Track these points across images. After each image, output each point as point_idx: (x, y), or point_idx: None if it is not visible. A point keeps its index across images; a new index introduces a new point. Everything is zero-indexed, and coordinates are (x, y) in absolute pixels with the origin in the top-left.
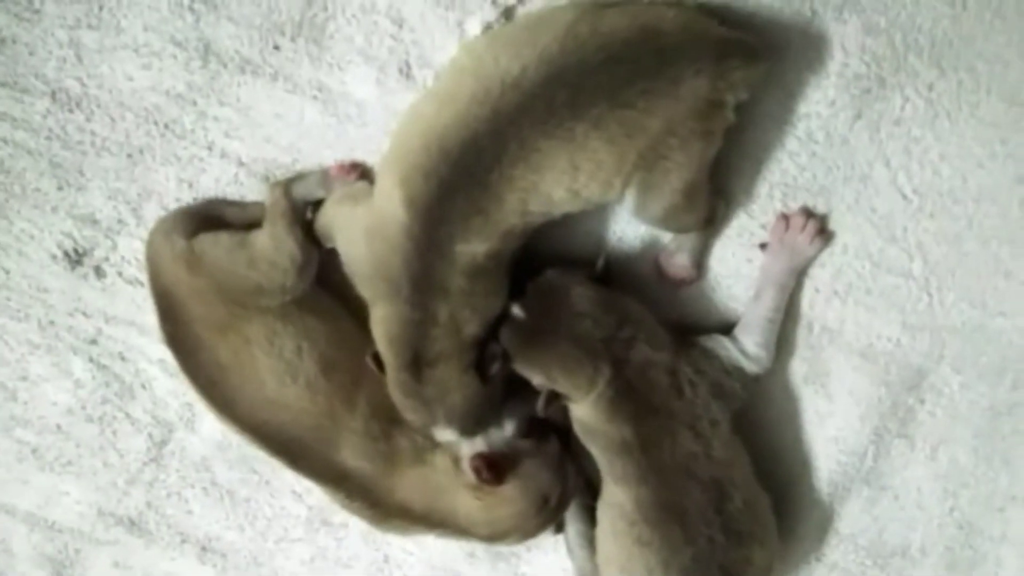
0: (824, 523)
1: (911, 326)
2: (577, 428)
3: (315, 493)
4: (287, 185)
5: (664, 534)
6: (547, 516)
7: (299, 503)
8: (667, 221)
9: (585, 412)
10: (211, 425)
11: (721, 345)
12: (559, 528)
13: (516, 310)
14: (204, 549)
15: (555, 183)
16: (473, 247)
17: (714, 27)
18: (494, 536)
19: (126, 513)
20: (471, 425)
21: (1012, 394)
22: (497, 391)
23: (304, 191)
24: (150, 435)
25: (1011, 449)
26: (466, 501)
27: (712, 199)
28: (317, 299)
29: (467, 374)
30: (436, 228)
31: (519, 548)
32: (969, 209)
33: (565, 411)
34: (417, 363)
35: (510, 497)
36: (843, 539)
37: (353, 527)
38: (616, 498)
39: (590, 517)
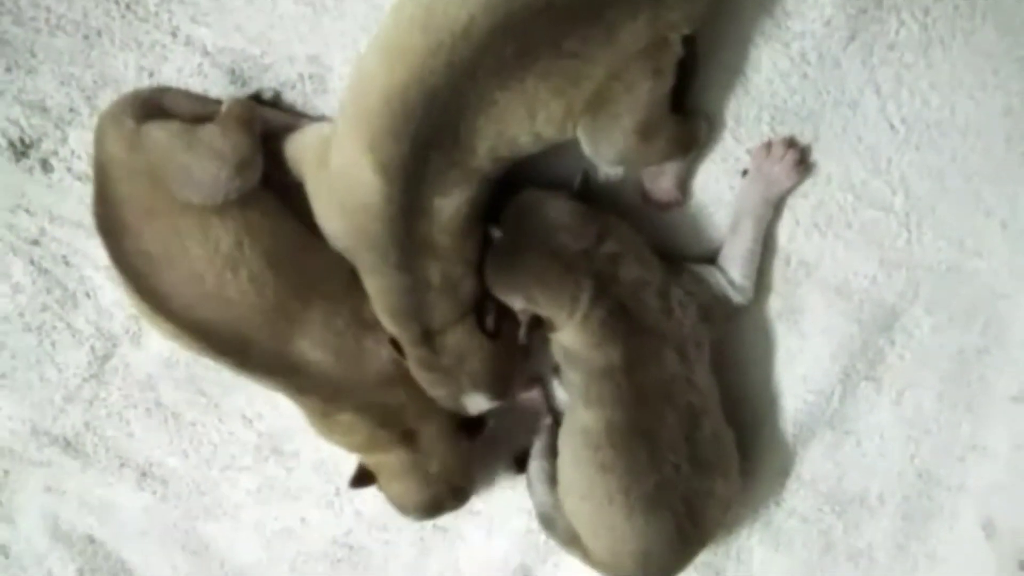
0: (786, 467)
1: (888, 263)
2: (559, 355)
3: (266, 419)
4: (255, 104)
5: (628, 459)
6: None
7: (249, 429)
8: (627, 161)
9: (571, 338)
10: (159, 340)
11: (709, 272)
12: (521, 466)
13: (494, 231)
14: (144, 475)
15: (518, 129)
16: (452, 199)
17: None
18: (418, 485)
19: (62, 433)
20: (500, 386)
21: (981, 339)
22: (514, 347)
23: (271, 118)
24: (92, 348)
25: (975, 396)
26: (432, 431)
27: (693, 122)
28: (261, 198)
29: (477, 334)
30: (413, 187)
31: (476, 485)
32: (955, 142)
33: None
34: (428, 335)
35: (455, 454)
36: (804, 484)
37: (304, 457)
38: (582, 423)
39: (552, 454)
